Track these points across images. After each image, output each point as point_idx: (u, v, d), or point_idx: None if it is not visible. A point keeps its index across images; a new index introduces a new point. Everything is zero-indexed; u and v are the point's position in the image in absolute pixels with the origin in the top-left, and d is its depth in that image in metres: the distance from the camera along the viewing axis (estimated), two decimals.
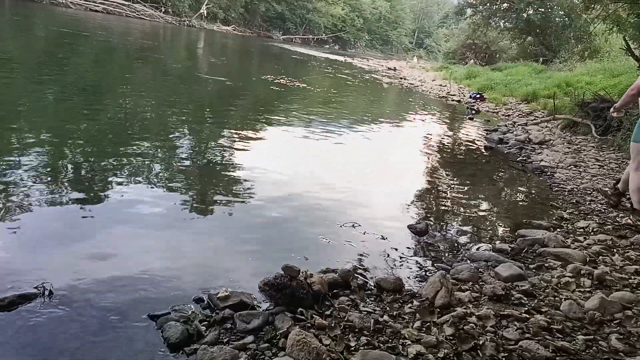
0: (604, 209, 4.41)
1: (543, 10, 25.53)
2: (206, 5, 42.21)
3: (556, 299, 2.53)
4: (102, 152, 4.23)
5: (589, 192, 5.06)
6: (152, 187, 3.59)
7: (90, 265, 2.36)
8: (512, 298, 2.48)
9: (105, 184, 3.48)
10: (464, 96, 15.54)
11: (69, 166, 3.73)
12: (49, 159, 3.79)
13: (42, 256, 2.40)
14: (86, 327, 1.91)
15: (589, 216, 4.26)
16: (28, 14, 19.60)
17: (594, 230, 3.81)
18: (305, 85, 12.31)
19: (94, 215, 2.96)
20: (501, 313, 2.28)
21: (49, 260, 2.36)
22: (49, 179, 3.39)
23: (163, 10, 37.76)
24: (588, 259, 3.13)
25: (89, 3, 31.35)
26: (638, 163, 3.96)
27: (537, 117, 10.44)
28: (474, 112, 12.22)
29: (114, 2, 33.11)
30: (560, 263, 3.05)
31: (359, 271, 2.75)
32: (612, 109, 4.61)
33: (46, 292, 2.05)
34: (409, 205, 4.25)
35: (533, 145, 7.74)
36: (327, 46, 61.75)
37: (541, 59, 22.58)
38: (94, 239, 2.67)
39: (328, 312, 2.21)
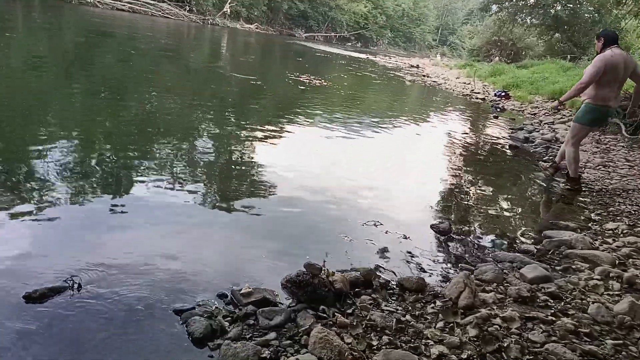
0: (635, 211, 4.29)
1: (572, 6, 24.91)
2: (230, 3, 42.57)
3: (584, 302, 2.48)
4: (128, 149, 4.31)
5: (619, 192, 4.93)
6: (176, 184, 3.64)
7: (116, 260, 2.40)
8: (538, 300, 2.44)
9: (131, 180, 3.55)
10: (489, 94, 15.29)
11: (96, 162, 3.81)
12: (77, 156, 3.89)
13: (71, 250, 2.46)
14: (113, 320, 1.96)
15: (618, 217, 4.14)
16: (57, 13, 20.11)
17: (624, 232, 3.71)
18: (328, 83, 12.30)
19: (119, 211, 3.02)
20: (526, 315, 2.24)
21: (78, 254, 2.42)
22: (77, 174, 3.47)
23: (187, 9, 38.24)
24: (617, 261, 3.05)
25: (115, 2, 31.97)
26: (575, 140, 5.07)
27: (565, 115, 10.19)
28: (498, 110, 12.02)
29: (140, 1, 33.69)
30: (588, 265, 2.98)
31: (381, 270, 2.74)
32: (557, 102, 5.35)
33: (75, 286, 2.11)
34: (431, 204, 4.21)
35: (560, 145, 7.56)
36: (350, 44, 61.61)
37: (569, 56, 22.04)
38: (120, 235, 2.73)
39: (350, 311, 2.21)
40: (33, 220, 2.69)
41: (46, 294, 2.02)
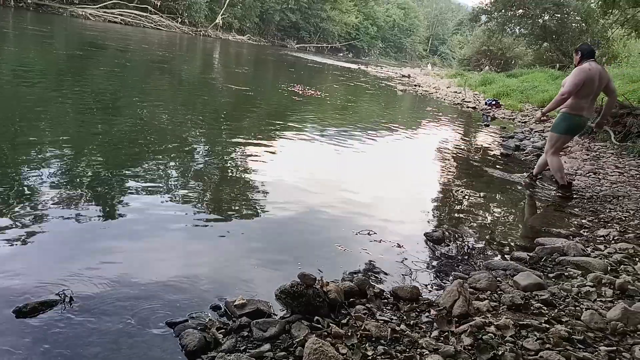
0: (625, 217, 4.33)
1: (559, 15, 25.34)
2: (222, 15, 42.82)
3: (577, 308, 2.48)
4: (119, 161, 4.30)
5: (609, 199, 4.97)
6: (168, 196, 3.63)
7: (108, 272, 2.38)
8: (532, 307, 2.44)
9: (123, 192, 3.53)
10: (479, 103, 15.44)
11: (87, 175, 3.79)
12: (67, 168, 3.86)
13: (62, 264, 2.43)
14: (105, 334, 1.93)
15: (609, 224, 4.18)
16: (48, 25, 20.08)
17: (615, 238, 3.74)
18: (320, 93, 12.36)
19: (111, 223, 3.00)
20: (520, 323, 2.24)
21: (69, 267, 2.39)
22: (68, 187, 3.45)
23: (179, 21, 38.42)
24: (609, 268, 3.07)
25: (107, 14, 32.02)
26: (554, 149, 5.25)
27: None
28: (489, 118, 12.13)
29: (132, 13, 33.78)
30: (580, 272, 3.00)
31: (375, 279, 2.74)
32: (539, 114, 5.55)
33: (66, 299, 2.08)
34: (424, 212, 4.23)
35: None
36: (341, 54, 62.10)
37: (558, 65, 22.36)
38: (112, 247, 2.71)
39: (344, 321, 2.20)
40: (23, 233, 2.66)
41: (37, 308, 1.99)
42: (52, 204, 3.10)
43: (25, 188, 3.28)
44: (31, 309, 1.98)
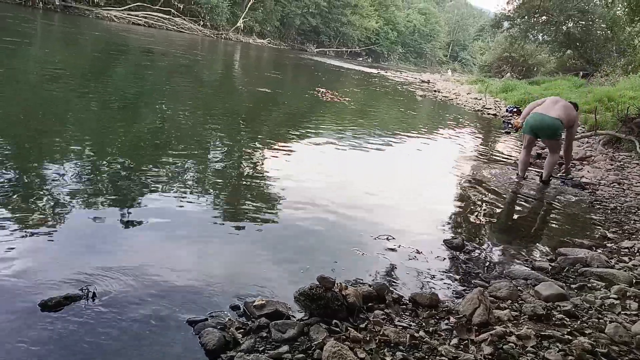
0: None
1: (584, 23, 24.91)
2: (243, 19, 43.24)
3: (600, 321, 2.44)
4: (140, 161, 4.36)
5: (634, 210, 4.86)
6: (188, 196, 3.66)
7: (129, 269, 2.42)
8: (554, 318, 2.40)
9: (143, 191, 3.58)
10: (500, 110, 15.26)
11: (109, 174, 3.85)
12: (90, 167, 3.94)
13: (85, 260, 2.47)
14: (127, 330, 1.96)
15: (633, 236, 4.09)
16: (75, 27, 20.54)
17: None
18: (339, 98, 12.38)
19: (132, 221, 3.04)
20: (542, 333, 2.21)
21: (91, 264, 2.43)
22: (91, 185, 3.52)
23: (201, 24, 38.88)
24: (634, 280, 3.00)
25: (131, 17, 32.60)
26: (525, 147, 6.02)
27: (578, 132, 10.11)
28: (510, 126, 11.97)
29: (155, 15, 34.32)
30: (604, 284, 2.94)
31: (394, 285, 2.73)
32: (517, 121, 6.30)
33: (90, 295, 2.12)
34: (444, 219, 4.19)
35: (573, 161, 7.50)
36: (360, 59, 62.09)
37: (581, 73, 21.99)
38: (133, 245, 2.75)
39: (363, 325, 2.20)
40: (48, 229, 2.72)
41: (61, 302, 2.04)
42: (75, 201, 3.16)
43: (49, 185, 3.36)
44: (56, 303, 2.02)
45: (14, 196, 3.07)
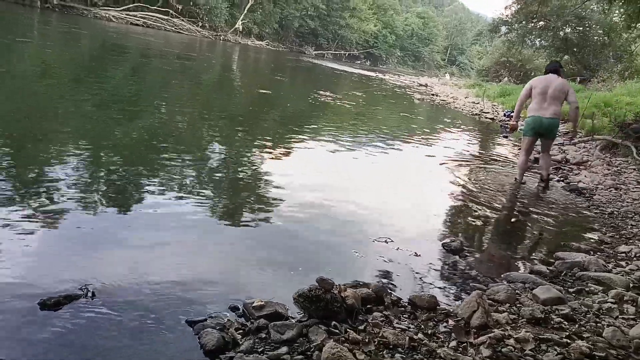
0: None
1: (581, 29, 25.01)
2: (242, 20, 43.29)
3: (598, 325, 2.44)
4: (138, 161, 4.36)
5: (631, 215, 4.89)
6: (186, 196, 3.66)
7: (128, 269, 2.41)
8: (552, 322, 2.41)
9: (141, 192, 3.57)
10: (498, 114, 15.31)
11: (106, 174, 3.84)
12: (88, 167, 3.93)
13: (84, 260, 2.47)
14: (126, 329, 1.96)
15: (630, 240, 4.11)
16: (73, 25, 20.49)
17: (637, 255, 3.67)
18: (336, 100, 12.40)
19: (130, 222, 3.04)
20: (540, 337, 2.22)
21: (91, 263, 2.43)
22: (88, 185, 3.51)
23: (200, 25, 38.90)
24: (631, 284, 3.02)
25: (130, 17, 32.59)
26: (525, 150, 5.96)
27: (574, 138, 10.16)
28: (508, 130, 12.01)
29: (154, 16, 34.32)
30: (601, 288, 2.95)
31: (392, 287, 2.73)
32: (511, 122, 6.43)
33: (89, 294, 2.12)
34: (442, 222, 4.20)
35: (570, 166, 7.54)
36: (359, 62, 62.24)
37: (578, 78, 22.08)
38: (132, 245, 2.74)
39: (362, 327, 2.20)
40: (48, 229, 2.71)
41: (61, 301, 2.03)
42: (74, 201, 3.15)
43: (46, 185, 3.34)
44: (55, 302, 2.01)
45: (13, 195, 3.06)
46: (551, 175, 6.76)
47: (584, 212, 5.07)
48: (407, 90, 23.98)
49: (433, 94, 22.83)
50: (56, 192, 3.23)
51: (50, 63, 9.55)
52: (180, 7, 36.97)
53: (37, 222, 2.76)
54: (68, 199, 3.16)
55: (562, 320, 2.44)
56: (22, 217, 2.77)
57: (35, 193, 3.18)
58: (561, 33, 25.20)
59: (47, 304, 1.99)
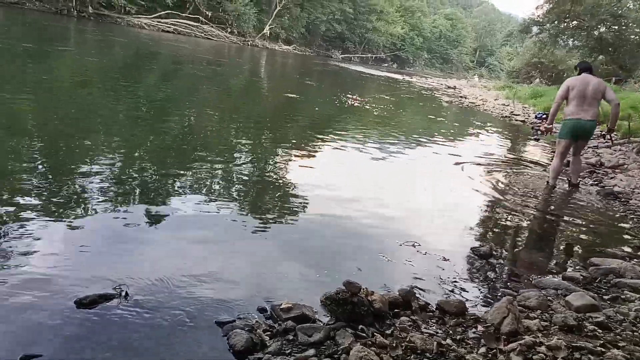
0: None
1: (617, 27, 24.23)
2: (269, 26, 43.77)
3: (635, 334, 2.36)
4: (167, 165, 4.46)
5: None
6: (215, 199, 3.73)
7: (160, 271, 2.47)
8: (586, 330, 2.34)
9: (172, 196, 3.65)
10: (529, 116, 14.98)
11: (137, 177, 3.95)
12: (122, 170, 4.05)
13: (119, 261, 2.55)
14: (157, 329, 2.01)
15: None
16: (108, 35, 21.15)
17: None
18: (364, 104, 12.38)
19: (161, 224, 3.12)
20: (573, 345, 2.16)
21: (125, 265, 2.50)
22: (122, 189, 3.61)
23: (229, 31, 39.52)
24: None
25: (161, 24, 33.40)
26: (557, 152, 5.86)
27: (612, 141, 9.83)
28: (540, 133, 11.73)
29: (184, 23, 35.07)
30: (638, 296, 2.85)
31: (420, 292, 2.71)
32: (543, 126, 6.47)
33: (123, 294, 2.18)
34: (471, 226, 4.14)
35: (605, 169, 7.31)
36: (385, 65, 61.98)
37: (614, 79, 21.38)
38: (163, 248, 2.81)
39: (389, 332, 2.19)
40: (83, 230, 2.81)
41: (96, 300, 2.10)
42: (108, 204, 3.25)
43: (83, 187, 3.46)
44: (91, 301, 2.09)
45: (50, 198, 3.19)
46: (585, 179, 6.58)
47: (620, 217, 4.91)
48: (435, 92, 23.73)
49: (461, 96, 22.52)
50: (91, 194, 3.34)
51: (89, 70, 9.89)
52: (209, 14, 37.67)
53: (72, 223, 2.86)
54: (101, 200, 3.27)
55: (596, 328, 2.37)
56: (58, 218, 2.88)
57: (69, 194, 3.30)
58: (595, 32, 24.48)
59: (83, 303, 2.07)
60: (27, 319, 1.96)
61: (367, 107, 12.03)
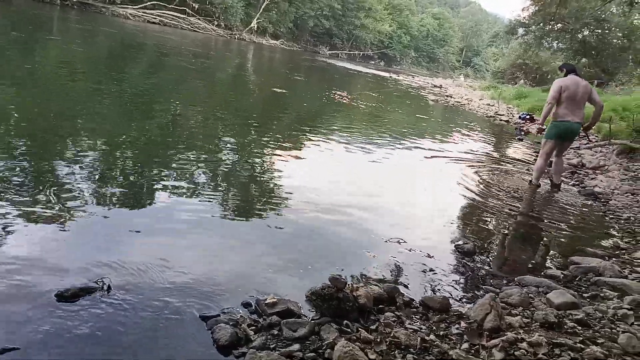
0: None
1: (600, 31, 24.68)
2: (257, 20, 43.45)
3: (613, 331, 2.41)
4: (153, 159, 4.40)
5: None
6: (200, 194, 3.69)
7: (143, 264, 2.44)
8: (566, 326, 2.38)
9: (155, 189, 3.61)
10: (513, 117, 15.17)
11: (121, 170, 3.90)
12: (105, 163, 3.99)
13: (100, 253, 2.50)
14: (141, 323, 1.99)
15: None
16: (92, 24, 20.76)
17: None
18: (351, 100, 12.38)
19: (146, 218, 3.08)
20: (554, 341, 2.19)
21: (107, 257, 2.45)
22: (105, 181, 3.55)
23: (215, 24, 39.11)
24: None
25: (147, 15, 32.90)
26: (542, 152, 5.95)
27: (591, 141, 10.02)
28: (523, 133, 11.89)
29: (170, 14, 34.59)
30: (616, 294, 2.91)
31: (404, 288, 2.73)
32: (536, 128, 6.64)
33: (105, 287, 2.15)
34: (455, 224, 4.18)
35: (586, 170, 7.44)
36: (373, 62, 62.09)
37: (596, 82, 21.75)
38: (147, 241, 2.78)
39: (373, 327, 2.20)
40: (64, 223, 2.75)
41: (77, 293, 2.06)
42: (90, 197, 3.20)
43: (65, 180, 3.40)
44: (72, 294, 2.05)
45: (31, 190, 3.12)
46: (566, 179, 6.69)
47: (600, 217, 5.01)
48: (421, 91, 23.87)
49: (447, 96, 22.69)
50: (73, 187, 3.28)
51: (68, 61, 9.70)
52: (196, 6, 37.20)
53: (53, 216, 2.81)
54: (85, 194, 3.21)
55: (576, 325, 2.41)
56: (39, 211, 2.82)
57: (53, 187, 3.23)
58: (579, 36, 24.89)
59: (64, 296, 2.03)
60: (7, 311, 1.92)
61: (355, 104, 12.04)
